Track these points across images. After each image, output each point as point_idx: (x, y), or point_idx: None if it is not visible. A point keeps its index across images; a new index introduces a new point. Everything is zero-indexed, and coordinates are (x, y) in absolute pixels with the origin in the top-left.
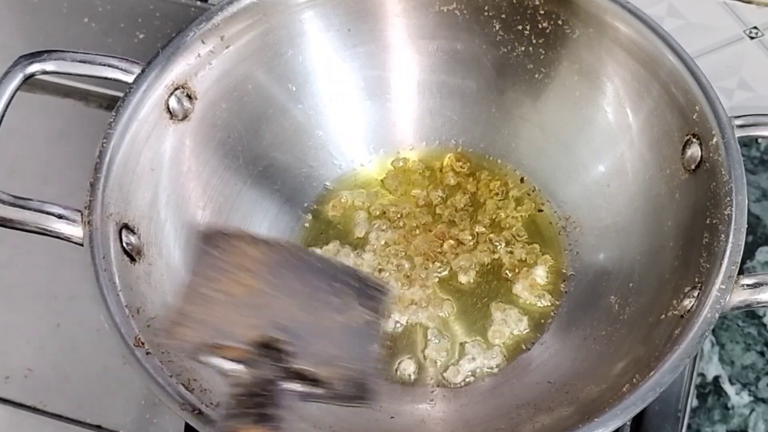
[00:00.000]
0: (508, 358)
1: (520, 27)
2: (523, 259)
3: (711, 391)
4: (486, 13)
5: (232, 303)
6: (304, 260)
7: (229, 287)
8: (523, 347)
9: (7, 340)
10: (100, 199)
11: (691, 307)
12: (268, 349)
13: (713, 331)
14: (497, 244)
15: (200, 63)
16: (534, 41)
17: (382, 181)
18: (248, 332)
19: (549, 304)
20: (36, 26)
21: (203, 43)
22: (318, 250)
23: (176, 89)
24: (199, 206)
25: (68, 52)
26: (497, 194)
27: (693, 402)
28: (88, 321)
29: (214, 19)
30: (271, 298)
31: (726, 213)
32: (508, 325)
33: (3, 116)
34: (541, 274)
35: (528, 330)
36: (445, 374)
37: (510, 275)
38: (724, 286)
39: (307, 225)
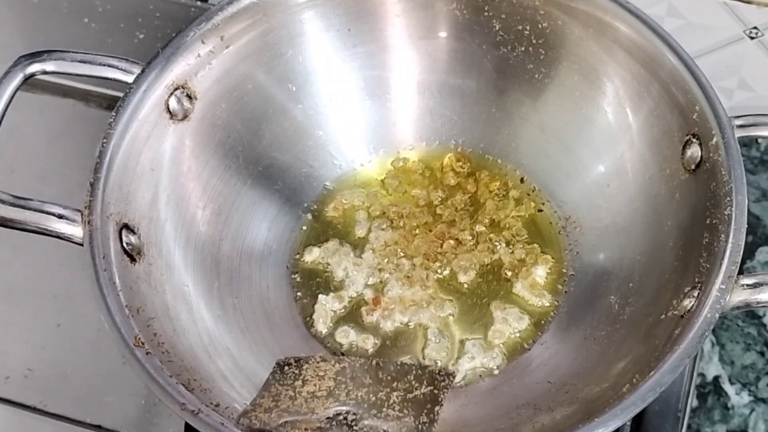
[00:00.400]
0: (508, 358)
1: (520, 27)
2: (523, 258)
3: (711, 391)
4: (486, 13)
5: (302, 394)
6: (369, 362)
7: (299, 384)
8: (523, 347)
9: (7, 340)
10: (100, 199)
11: (691, 307)
12: (338, 418)
13: (713, 331)
14: (497, 244)
15: (200, 63)
16: (534, 41)
17: (382, 181)
18: (318, 410)
19: (549, 304)
20: (36, 26)
21: (203, 43)
22: (317, 249)
23: (176, 89)
24: (199, 206)
25: (68, 52)
26: (497, 194)
27: (693, 402)
28: (88, 321)
29: (214, 19)
30: (339, 388)
31: (726, 213)
32: (509, 324)
33: (3, 116)
34: (541, 273)
35: (528, 329)
36: None
37: (510, 275)
38: (724, 286)
39: (306, 225)
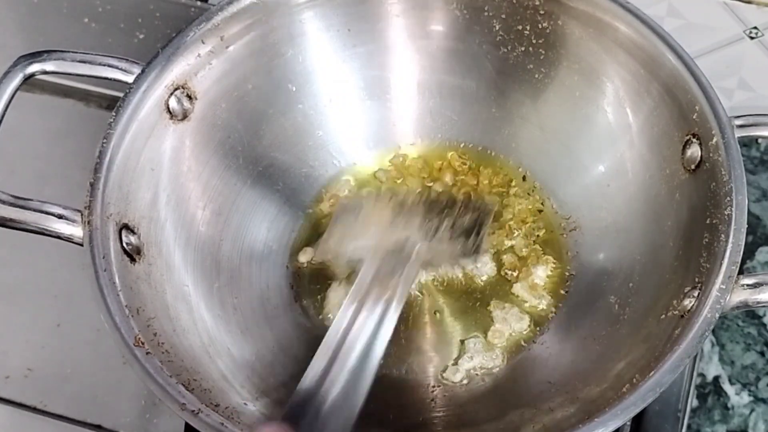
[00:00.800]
0: (508, 358)
1: (520, 27)
2: (525, 257)
3: (711, 391)
4: (486, 13)
5: (366, 225)
6: (420, 194)
7: (362, 218)
8: (523, 347)
9: (7, 340)
10: (100, 199)
11: (691, 307)
12: (399, 244)
13: (713, 331)
14: (515, 231)
15: (200, 63)
16: (534, 41)
17: (374, 174)
18: (382, 237)
19: (548, 304)
20: (36, 26)
21: (203, 43)
22: (310, 249)
23: (176, 89)
24: (199, 206)
25: (68, 52)
26: (498, 189)
27: (693, 402)
28: (88, 321)
29: (214, 19)
30: (397, 218)
31: (726, 213)
32: (509, 323)
33: (3, 116)
34: (541, 275)
35: (528, 329)
36: (444, 373)
37: (510, 276)
38: (724, 286)
39: (306, 225)
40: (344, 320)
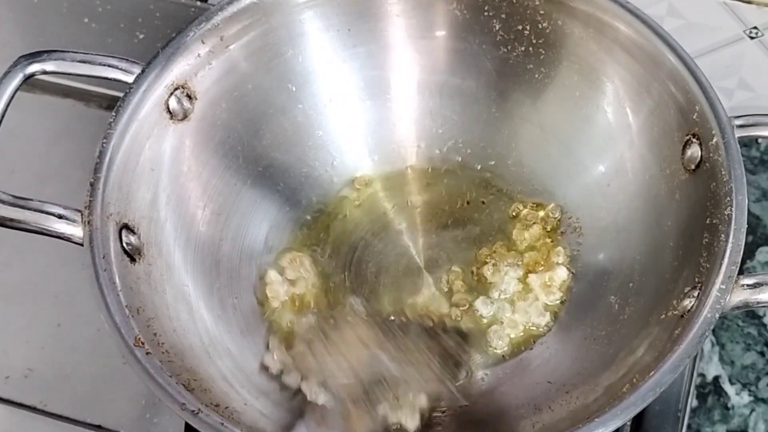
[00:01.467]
0: (508, 358)
1: (520, 27)
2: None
3: (711, 391)
4: (486, 13)
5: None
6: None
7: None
8: (524, 347)
9: (7, 340)
10: (100, 199)
11: (691, 307)
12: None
13: (713, 331)
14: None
15: (200, 63)
16: (534, 41)
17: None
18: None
19: (557, 300)
20: (36, 26)
21: (203, 43)
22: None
23: (176, 89)
24: (199, 206)
25: (68, 52)
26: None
27: (693, 402)
28: (88, 321)
29: (214, 19)
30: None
31: (726, 213)
32: (529, 316)
33: (3, 116)
34: (561, 275)
35: (545, 326)
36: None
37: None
38: (724, 286)
39: (306, 225)
40: None
